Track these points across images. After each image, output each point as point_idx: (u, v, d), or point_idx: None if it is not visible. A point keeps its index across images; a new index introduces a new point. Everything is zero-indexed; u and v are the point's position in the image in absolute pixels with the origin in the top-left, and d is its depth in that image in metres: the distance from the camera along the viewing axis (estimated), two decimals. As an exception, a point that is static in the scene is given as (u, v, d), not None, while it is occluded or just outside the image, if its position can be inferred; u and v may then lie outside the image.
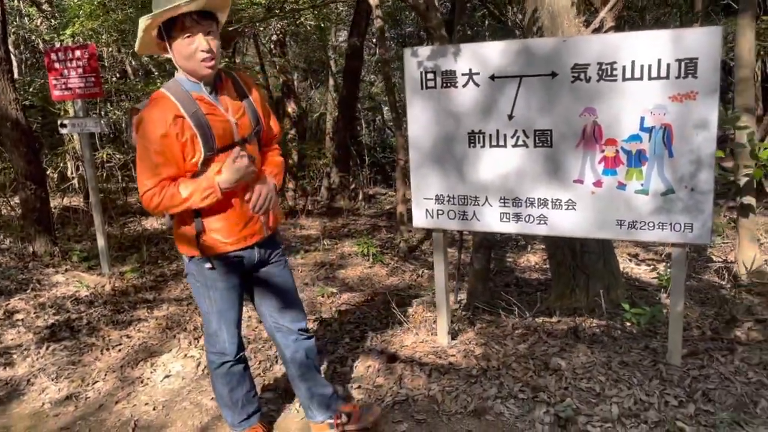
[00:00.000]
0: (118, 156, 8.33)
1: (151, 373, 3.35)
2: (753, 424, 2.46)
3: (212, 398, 3.03)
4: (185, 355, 3.50)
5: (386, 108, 14.40)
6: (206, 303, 2.38)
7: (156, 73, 9.31)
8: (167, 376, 3.29)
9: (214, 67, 2.15)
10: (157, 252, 6.09)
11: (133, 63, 10.84)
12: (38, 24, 10.74)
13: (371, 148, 14.00)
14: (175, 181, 2.15)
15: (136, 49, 2.20)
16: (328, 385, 2.66)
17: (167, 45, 2.12)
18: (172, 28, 2.08)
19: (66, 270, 5.32)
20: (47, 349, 3.67)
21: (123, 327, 3.97)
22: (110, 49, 9.86)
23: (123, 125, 9.78)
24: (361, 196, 10.11)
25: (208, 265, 2.29)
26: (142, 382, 3.27)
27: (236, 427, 2.59)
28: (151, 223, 7.57)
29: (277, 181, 2.41)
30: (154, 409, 2.99)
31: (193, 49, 2.09)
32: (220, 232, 2.25)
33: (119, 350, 3.64)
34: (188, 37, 2.08)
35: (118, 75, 10.72)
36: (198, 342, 3.64)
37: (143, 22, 2.05)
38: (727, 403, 2.60)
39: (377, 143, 15.15)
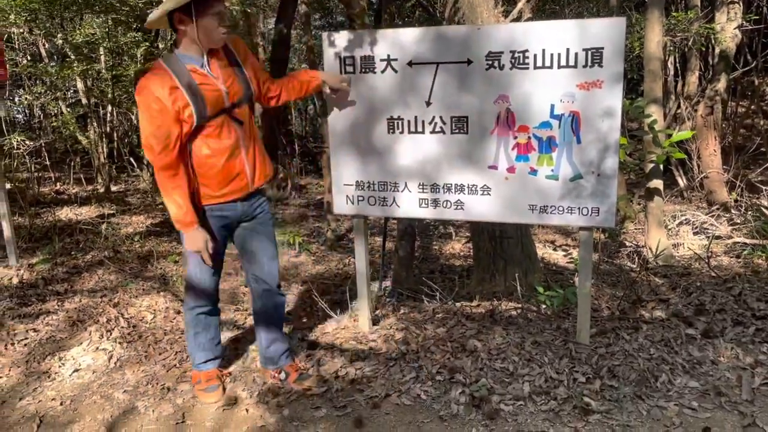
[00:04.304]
0: (28, 143, 7.86)
1: (60, 367, 3.19)
2: (653, 398, 2.60)
3: (124, 391, 2.93)
4: (97, 348, 3.36)
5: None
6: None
7: (73, 57, 8.82)
8: (76, 370, 3.15)
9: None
10: (71, 243, 5.81)
11: (47, 46, 10.26)
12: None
13: (303, 138, 13.84)
14: (180, 159, 2.43)
15: (149, 22, 2.41)
16: (285, 343, 2.98)
17: (188, 20, 2.33)
18: (203, 5, 2.32)
19: (-31, 263, 5.00)
20: (-56, 345, 3.44)
21: (30, 320, 3.77)
22: (21, 30, 9.28)
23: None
24: (290, 186, 9.98)
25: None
26: (49, 376, 3.11)
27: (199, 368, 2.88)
28: (66, 214, 7.21)
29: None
30: (61, 404, 2.85)
31: (217, 26, 2.38)
32: (207, 188, 2.55)
33: (25, 344, 3.45)
34: (218, 14, 2.36)
35: (29, 58, 10.11)
36: (110, 334, 3.50)
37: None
38: (630, 378, 2.73)
39: (309, 133, 14.99)
